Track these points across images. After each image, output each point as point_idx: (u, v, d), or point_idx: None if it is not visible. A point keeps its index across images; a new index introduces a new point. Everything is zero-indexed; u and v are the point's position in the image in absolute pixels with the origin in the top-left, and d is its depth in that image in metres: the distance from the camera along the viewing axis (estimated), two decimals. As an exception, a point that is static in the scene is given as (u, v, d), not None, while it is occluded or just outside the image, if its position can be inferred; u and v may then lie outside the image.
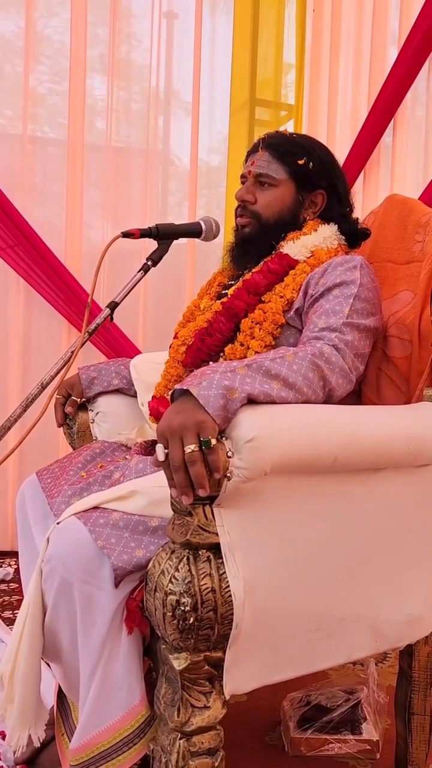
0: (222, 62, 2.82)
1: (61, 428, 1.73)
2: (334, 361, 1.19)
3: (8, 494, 2.71)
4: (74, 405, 1.66)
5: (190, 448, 0.94)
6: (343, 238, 1.49)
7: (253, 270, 1.45)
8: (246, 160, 1.54)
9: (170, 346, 1.54)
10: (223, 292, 1.53)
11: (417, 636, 1.30)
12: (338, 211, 1.50)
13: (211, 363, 1.18)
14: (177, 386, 1.02)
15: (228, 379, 1.01)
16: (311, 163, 1.47)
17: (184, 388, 1.00)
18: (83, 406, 1.70)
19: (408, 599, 1.25)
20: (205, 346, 1.41)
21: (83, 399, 1.68)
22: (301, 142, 1.50)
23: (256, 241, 1.47)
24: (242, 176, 1.53)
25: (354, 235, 1.51)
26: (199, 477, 0.94)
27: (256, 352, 1.32)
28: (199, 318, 1.49)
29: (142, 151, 2.78)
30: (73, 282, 2.64)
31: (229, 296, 1.45)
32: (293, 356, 1.13)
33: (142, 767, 1.13)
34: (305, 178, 1.47)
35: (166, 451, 0.97)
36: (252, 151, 1.53)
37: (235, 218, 1.52)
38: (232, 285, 1.51)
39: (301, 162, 1.46)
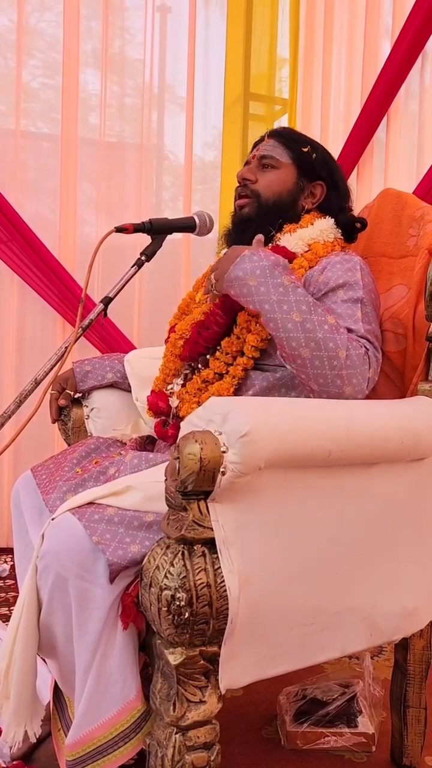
0: (216, 57, 2.80)
1: (56, 424, 1.72)
2: (358, 363, 1.22)
3: (3, 490, 2.71)
4: (68, 398, 1.66)
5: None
6: (340, 231, 1.49)
7: None
8: (251, 151, 1.57)
9: (167, 340, 1.54)
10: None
11: (412, 629, 1.31)
12: (336, 204, 1.51)
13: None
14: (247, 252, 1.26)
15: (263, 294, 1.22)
16: (314, 154, 1.50)
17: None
18: (78, 402, 1.69)
19: (403, 592, 1.26)
20: (201, 339, 1.41)
21: (77, 393, 1.68)
22: (306, 137, 1.57)
23: (255, 222, 1.47)
24: (246, 162, 1.55)
25: (351, 228, 1.52)
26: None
27: (253, 346, 1.33)
28: (195, 311, 1.49)
29: (136, 146, 2.77)
30: (67, 277, 2.63)
31: None
32: (333, 328, 1.21)
33: (139, 762, 1.13)
34: (307, 165, 1.50)
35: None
36: (258, 142, 1.57)
37: (234, 201, 1.53)
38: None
39: (305, 149, 1.50)
